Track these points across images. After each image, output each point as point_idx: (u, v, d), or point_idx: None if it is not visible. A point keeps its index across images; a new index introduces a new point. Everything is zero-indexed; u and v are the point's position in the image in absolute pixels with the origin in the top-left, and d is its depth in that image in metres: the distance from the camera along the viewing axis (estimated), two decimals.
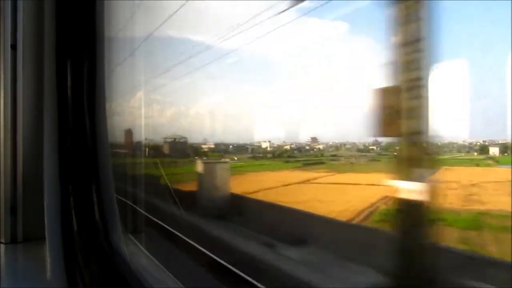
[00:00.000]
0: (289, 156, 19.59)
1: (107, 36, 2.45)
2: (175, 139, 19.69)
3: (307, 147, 19.65)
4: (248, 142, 20.57)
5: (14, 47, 2.26)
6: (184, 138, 20.02)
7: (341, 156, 19.05)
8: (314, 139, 19.44)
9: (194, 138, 20.58)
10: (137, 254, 2.78)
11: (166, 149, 18.95)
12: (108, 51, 2.46)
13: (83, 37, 2.36)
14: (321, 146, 19.47)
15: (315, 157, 19.20)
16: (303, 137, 19.89)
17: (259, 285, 6.05)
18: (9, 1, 2.27)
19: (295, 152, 19.69)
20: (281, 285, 6.56)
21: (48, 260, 2.12)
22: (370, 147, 18.39)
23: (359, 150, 18.81)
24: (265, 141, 19.97)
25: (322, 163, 18.70)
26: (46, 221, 2.16)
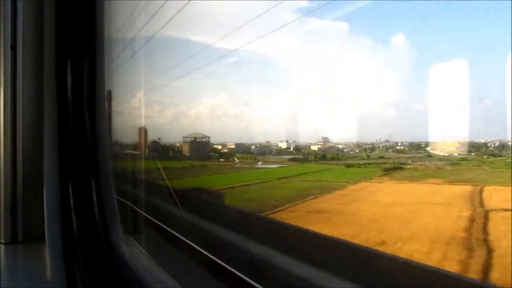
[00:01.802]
0: (332, 158, 18.55)
1: (107, 36, 2.45)
2: (195, 138, 19.42)
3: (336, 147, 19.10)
4: (250, 142, 20.10)
5: (14, 47, 2.28)
6: (206, 137, 19.61)
7: (401, 158, 17.31)
8: (325, 139, 18.96)
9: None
10: None
11: (186, 150, 18.80)
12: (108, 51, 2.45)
13: (83, 37, 2.35)
14: (340, 146, 19.08)
15: (361, 159, 17.98)
16: (309, 137, 19.32)
17: None
18: (9, 1, 2.28)
19: (339, 153, 18.84)
20: None
21: (48, 260, 2.12)
22: (398, 147, 17.76)
23: (399, 151, 17.73)
24: (282, 141, 19.66)
25: (399, 168, 16.43)
26: (46, 221, 2.16)
